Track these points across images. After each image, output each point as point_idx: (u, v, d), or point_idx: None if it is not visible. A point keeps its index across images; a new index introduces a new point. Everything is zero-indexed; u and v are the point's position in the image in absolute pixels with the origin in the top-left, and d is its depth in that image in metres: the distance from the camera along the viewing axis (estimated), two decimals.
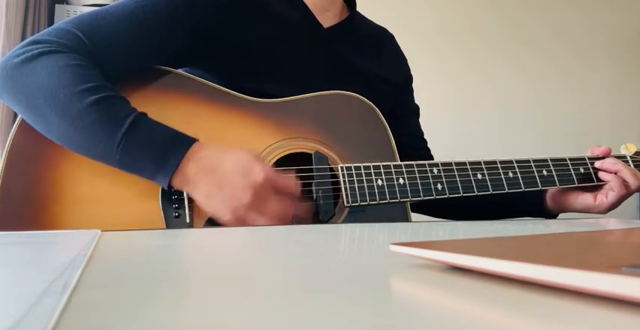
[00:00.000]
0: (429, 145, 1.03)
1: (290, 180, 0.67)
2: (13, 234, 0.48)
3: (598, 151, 0.87)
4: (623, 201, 0.82)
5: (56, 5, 2.16)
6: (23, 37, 2.01)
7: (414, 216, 0.83)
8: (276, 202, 0.64)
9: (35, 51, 0.66)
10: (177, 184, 0.64)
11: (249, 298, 0.21)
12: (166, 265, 0.31)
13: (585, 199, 0.83)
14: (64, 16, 2.13)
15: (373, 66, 0.91)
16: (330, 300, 0.20)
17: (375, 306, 0.19)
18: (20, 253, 0.35)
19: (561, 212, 0.88)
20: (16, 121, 0.68)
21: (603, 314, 0.17)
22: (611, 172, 0.82)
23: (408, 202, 0.77)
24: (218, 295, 0.21)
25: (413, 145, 0.98)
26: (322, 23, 0.87)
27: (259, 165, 0.64)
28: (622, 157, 0.88)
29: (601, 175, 0.83)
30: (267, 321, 0.17)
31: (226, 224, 0.65)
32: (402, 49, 1.02)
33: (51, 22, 2.16)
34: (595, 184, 0.83)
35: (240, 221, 0.64)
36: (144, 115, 0.65)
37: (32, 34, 2.03)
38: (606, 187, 0.82)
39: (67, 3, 2.18)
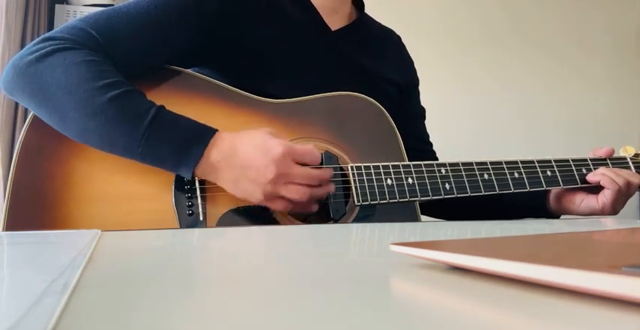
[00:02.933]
0: (440, 146, 1.03)
1: (308, 148, 0.68)
2: (14, 234, 0.48)
3: (601, 152, 0.87)
4: (623, 198, 0.82)
5: (56, 5, 2.16)
6: (23, 37, 2.01)
7: (422, 218, 0.84)
8: (300, 171, 0.66)
9: (49, 48, 0.66)
10: (200, 173, 0.65)
11: (250, 298, 0.21)
12: (166, 265, 0.31)
13: (590, 202, 0.84)
14: (64, 16, 2.13)
15: (380, 68, 0.92)
16: (331, 300, 0.20)
17: (375, 306, 0.19)
18: (20, 253, 0.35)
19: (564, 214, 0.89)
20: (27, 119, 0.68)
21: (603, 314, 0.17)
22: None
23: (417, 203, 0.78)
24: (218, 295, 0.21)
25: (418, 147, 0.98)
26: (330, 26, 0.87)
27: (275, 140, 0.66)
28: (622, 159, 0.88)
29: (588, 177, 0.83)
30: (267, 321, 0.17)
31: (260, 203, 0.66)
32: (410, 50, 1.02)
33: (51, 22, 2.16)
34: (597, 184, 0.83)
35: (272, 197, 0.65)
36: (164, 108, 0.66)
37: (32, 34, 2.03)
38: (601, 187, 0.83)
39: (67, 3, 2.18)
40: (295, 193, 0.65)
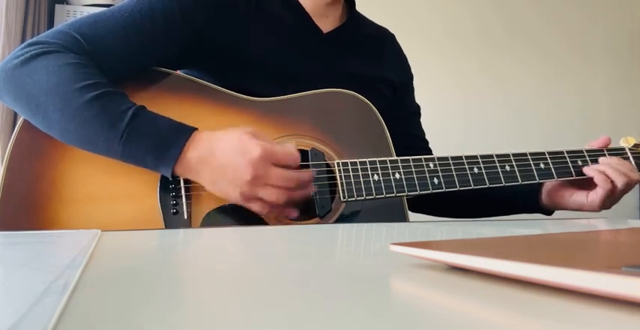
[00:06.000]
0: (432, 145, 1.03)
1: (288, 150, 0.67)
2: (13, 234, 0.48)
3: (596, 144, 0.86)
4: (613, 197, 0.80)
5: (56, 5, 2.15)
6: (23, 37, 2.01)
7: (412, 216, 0.83)
8: (278, 173, 0.65)
9: (34, 52, 0.67)
10: (180, 172, 0.66)
11: (249, 299, 0.21)
12: (166, 266, 0.31)
13: (578, 196, 0.82)
14: (64, 16, 2.13)
15: (374, 67, 0.91)
16: (330, 300, 0.20)
17: (375, 306, 0.19)
18: (20, 253, 0.35)
19: (555, 209, 0.88)
20: (19, 120, 0.69)
21: (603, 314, 0.17)
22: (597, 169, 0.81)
23: (405, 200, 0.77)
24: (217, 295, 0.21)
25: (414, 145, 0.98)
26: (322, 28, 0.87)
27: (254, 141, 0.65)
28: (621, 150, 0.87)
29: (585, 170, 0.81)
30: (266, 321, 0.17)
31: (239, 204, 0.66)
32: (404, 49, 1.02)
33: (51, 22, 2.16)
34: (592, 176, 0.81)
35: (249, 198, 0.65)
36: (143, 108, 0.66)
37: (32, 34, 2.03)
38: (594, 183, 0.81)
39: (67, 3, 2.18)
40: (272, 195, 0.65)
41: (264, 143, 0.65)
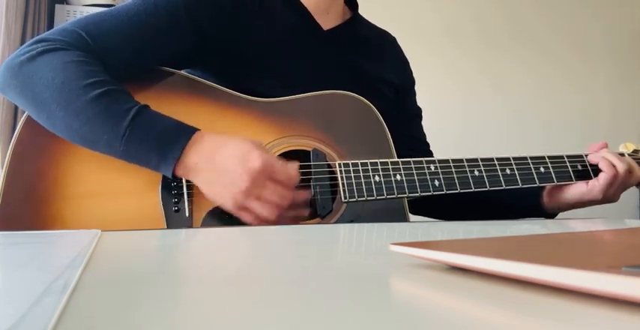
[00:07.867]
0: (432, 146, 1.03)
1: (289, 169, 0.67)
2: (13, 234, 0.48)
3: (595, 148, 0.86)
4: (618, 185, 0.81)
5: (56, 5, 2.15)
6: (23, 37, 2.01)
7: (412, 218, 0.83)
8: (273, 190, 0.65)
9: (40, 49, 0.68)
10: (180, 173, 0.66)
11: (250, 298, 0.21)
12: (166, 265, 0.31)
13: (578, 187, 0.82)
14: (64, 16, 2.13)
15: (375, 68, 0.91)
16: (331, 300, 0.20)
17: (375, 306, 0.19)
18: (20, 253, 0.35)
19: (557, 208, 0.87)
20: (22, 118, 0.69)
21: (603, 314, 0.17)
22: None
23: (406, 201, 0.78)
24: (217, 296, 0.21)
25: (415, 148, 0.98)
26: (322, 25, 0.87)
27: (257, 152, 0.64)
28: (620, 155, 0.87)
29: (589, 157, 0.82)
30: (266, 321, 0.17)
31: (230, 211, 0.66)
32: (403, 49, 1.02)
33: (51, 22, 2.16)
34: (596, 163, 0.81)
35: (241, 208, 0.65)
36: (146, 107, 0.67)
37: (32, 34, 2.03)
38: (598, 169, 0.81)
39: (67, 3, 2.18)
40: (263, 209, 0.64)
41: (266, 156, 0.65)
